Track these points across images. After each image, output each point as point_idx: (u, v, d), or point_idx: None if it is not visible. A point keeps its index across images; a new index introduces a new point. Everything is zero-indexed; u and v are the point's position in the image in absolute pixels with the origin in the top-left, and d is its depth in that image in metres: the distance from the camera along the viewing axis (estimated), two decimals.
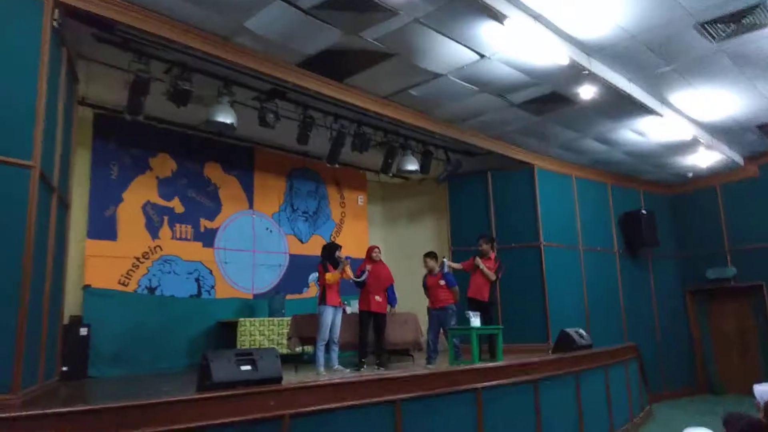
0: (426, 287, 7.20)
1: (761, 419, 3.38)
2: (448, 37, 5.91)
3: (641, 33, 5.95)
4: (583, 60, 6.36)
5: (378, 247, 7.01)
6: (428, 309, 7.19)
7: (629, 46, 6.22)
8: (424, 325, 8.05)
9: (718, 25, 5.84)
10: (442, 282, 7.02)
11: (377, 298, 6.54)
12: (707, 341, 11.67)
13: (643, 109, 7.75)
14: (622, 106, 7.70)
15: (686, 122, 8.55)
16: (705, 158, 9.98)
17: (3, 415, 3.11)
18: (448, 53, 6.25)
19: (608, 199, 11.10)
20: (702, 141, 9.08)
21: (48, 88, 4.43)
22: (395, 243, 11.12)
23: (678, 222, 12.02)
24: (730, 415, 3.34)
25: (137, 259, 7.79)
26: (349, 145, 8.23)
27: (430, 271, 7.16)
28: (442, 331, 6.99)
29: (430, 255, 7.30)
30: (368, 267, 6.65)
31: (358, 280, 6.55)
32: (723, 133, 9.28)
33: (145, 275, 7.83)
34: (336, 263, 6.62)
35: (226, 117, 6.79)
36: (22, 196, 4.08)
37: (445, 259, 7.18)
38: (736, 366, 11.19)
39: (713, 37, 6.08)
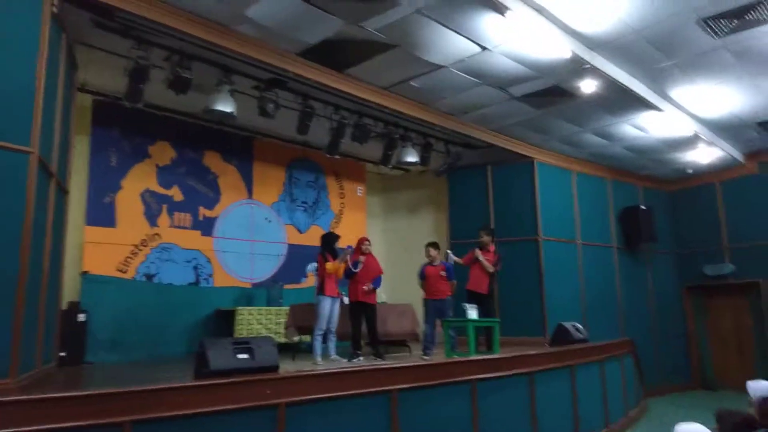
0: (424, 277, 7.11)
1: (753, 415, 3.41)
2: (450, 29, 5.89)
3: (644, 27, 5.93)
4: (585, 54, 6.35)
5: (368, 240, 6.97)
6: (425, 300, 7.16)
7: (631, 41, 6.21)
8: (421, 316, 8.09)
9: (721, 20, 5.82)
10: (443, 273, 6.99)
11: (365, 288, 6.56)
12: (703, 337, 11.72)
13: (644, 104, 7.75)
14: (623, 101, 7.68)
15: (687, 118, 8.53)
16: (705, 154, 9.99)
17: (0, 399, 3.13)
18: (450, 45, 6.23)
19: (607, 194, 11.11)
20: (702, 137, 9.07)
21: (47, 73, 4.41)
22: (394, 235, 11.15)
23: (677, 218, 12.03)
24: (723, 410, 3.36)
25: (136, 246, 7.80)
26: (349, 135, 8.21)
27: (432, 261, 7.10)
28: (439, 322, 6.99)
29: (433, 245, 7.21)
30: (362, 258, 6.65)
31: (354, 270, 6.56)
32: (724, 129, 9.27)
33: (144, 262, 7.84)
34: (336, 253, 6.65)
35: (225, 106, 6.78)
36: (20, 182, 4.08)
37: (449, 251, 7.15)
38: (731, 362, 11.25)
39: (716, 33, 6.06)
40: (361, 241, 6.86)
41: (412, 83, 7.25)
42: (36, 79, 4.29)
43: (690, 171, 11.23)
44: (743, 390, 3.93)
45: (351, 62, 6.71)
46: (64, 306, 6.41)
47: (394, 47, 6.31)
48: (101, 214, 7.55)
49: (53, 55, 4.71)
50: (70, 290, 6.79)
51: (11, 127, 4.09)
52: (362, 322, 6.65)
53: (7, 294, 3.91)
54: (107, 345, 7.14)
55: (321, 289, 6.53)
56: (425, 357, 6.54)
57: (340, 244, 6.88)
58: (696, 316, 11.83)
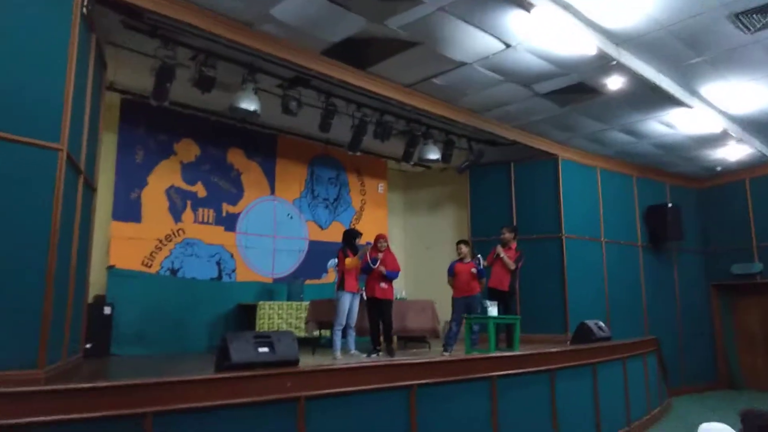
0: (453, 274, 7.14)
1: None
2: (474, 26, 5.85)
3: (672, 23, 5.81)
4: (611, 50, 6.25)
5: (384, 237, 6.90)
6: (455, 299, 7.14)
7: (659, 37, 6.08)
8: (441, 313, 8.08)
9: (754, 15, 5.66)
10: (474, 271, 7.02)
11: (383, 285, 6.56)
12: (730, 337, 11.49)
13: (672, 101, 7.60)
14: (651, 98, 7.55)
15: (716, 115, 8.35)
16: (735, 152, 9.78)
17: (28, 389, 3.22)
18: (474, 42, 6.19)
19: (633, 192, 10.94)
20: (732, 134, 8.87)
21: (76, 73, 4.50)
22: (415, 232, 11.14)
23: (704, 216, 11.79)
24: (748, 410, 3.29)
25: (160, 241, 7.94)
26: (371, 133, 8.22)
27: (462, 259, 7.13)
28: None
29: (465, 242, 7.30)
30: (379, 256, 6.64)
31: (373, 266, 6.56)
32: (754, 126, 9.03)
33: (168, 257, 7.98)
34: (356, 249, 6.67)
35: (249, 104, 6.84)
36: (49, 178, 4.18)
37: (480, 256, 7.15)
38: (758, 362, 11.02)
39: (747, 28, 5.90)
40: (377, 239, 6.82)
41: (435, 81, 7.22)
42: (66, 78, 4.38)
43: (719, 168, 10.99)
44: None
45: (374, 60, 6.71)
46: (90, 299, 6.54)
47: (417, 45, 6.29)
48: (127, 210, 7.70)
49: (82, 54, 4.81)
50: (96, 284, 6.93)
51: (42, 124, 4.19)
52: (378, 318, 6.65)
53: (36, 287, 4.01)
54: (132, 338, 7.28)
55: (341, 285, 6.56)
56: (445, 353, 6.55)
57: (362, 241, 6.90)
58: (723, 315, 11.59)
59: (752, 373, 11.02)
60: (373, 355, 6.34)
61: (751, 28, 5.89)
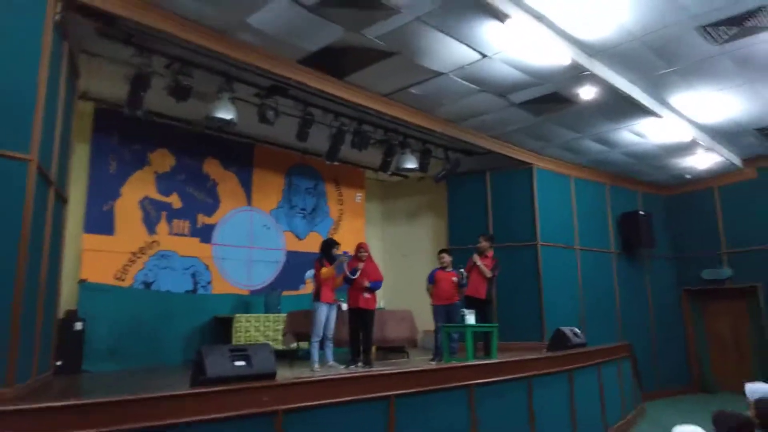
0: (434, 281, 7.16)
1: (751, 418, 3.39)
2: (450, 36, 5.89)
3: (643, 34, 5.94)
4: (584, 61, 6.35)
5: (364, 246, 6.85)
6: (435, 306, 7.15)
7: (631, 48, 6.21)
8: (419, 321, 8.06)
9: (721, 27, 5.83)
10: (455, 279, 7.07)
11: (366, 295, 6.52)
12: (702, 341, 11.70)
13: (643, 111, 7.75)
14: (623, 107, 7.69)
15: (686, 124, 8.54)
16: (703, 160, 10.01)
17: None
18: (450, 52, 6.23)
19: (606, 200, 11.11)
20: (701, 143, 9.08)
21: (48, 82, 4.40)
22: (393, 241, 11.14)
23: (675, 223, 12.02)
24: (720, 413, 3.35)
25: (134, 254, 7.78)
26: (349, 142, 8.20)
27: (445, 267, 7.17)
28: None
29: (447, 251, 7.39)
30: (360, 266, 6.59)
31: (352, 277, 6.52)
32: (722, 135, 9.27)
33: (142, 270, 7.82)
34: (332, 259, 6.61)
35: (226, 113, 6.77)
36: (19, 190, 4.06)
37: (462, 270, 7.18)
38: (729, 366, 11.22)
39: (715, 40, 6.07)
40: (357, 248, 6.80)
41: (412, 90, 7.25)
42: (37, 87, 4.27)
43: (688, 176, 11.24)
44: (742, 393, 3.93)
45: (351, 69, 6.71)
46: (61, 314, 6.36)
47: (395, 54, 6.31)
48: (100, 222, 7.53)
49: (55, 63, 4.70)
50: (67, 298, 6.75)
51: (11, 134, 4.07)
52: (360, 329, 6.60)
53: (4, 303, 3.87)
54: (104, 353, 7.09)
55: (317, 296, 6.50)
56: (432, 362, 6.56)
57: (340, 250, 6.84)
58: (694, 320, 11.80)
59: (724, 376, 11.21)
60: (353, 367, 6.27)
61: (719, 39, 6.06)
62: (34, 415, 3.15)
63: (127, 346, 7.30)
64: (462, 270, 7.17)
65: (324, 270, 6.48)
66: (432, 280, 7.20)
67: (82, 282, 7.17)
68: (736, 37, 6.00)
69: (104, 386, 5.61)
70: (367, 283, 6.52)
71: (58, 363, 6.08)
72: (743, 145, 9.79)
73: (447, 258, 7.24)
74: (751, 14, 5.58)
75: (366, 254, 6.72)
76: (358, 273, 6.55)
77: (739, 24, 5.76)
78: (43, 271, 4.70)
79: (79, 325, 6.83)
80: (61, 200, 5.63)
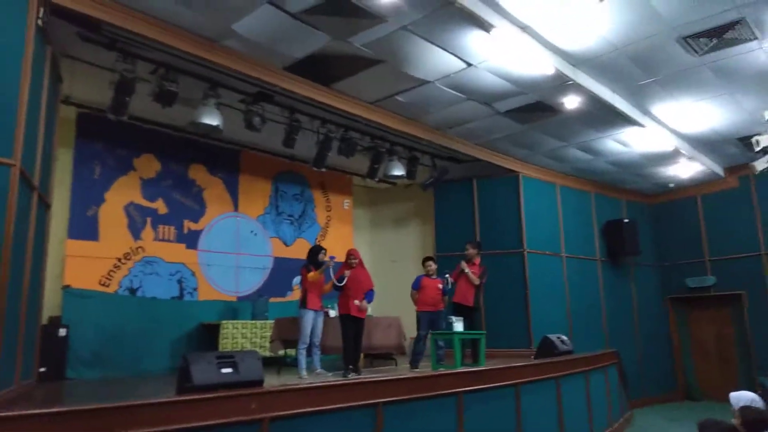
0: (419, 287, 7.11)
1: (736, 425, 3.45)
2: (436, 45, 5.96)
3: (625, 45, 6.05)
4: (568, 70, 6.45)
5: (355, 253, 6.74)
6: (420, 312, 7.12)
7: (613, 58, 6.32)
8: (406, 328, 8.07)
9: (701, 39, 5.96)
10: (440, 287, 7.08)
11: (356, 302, 6.40)
12: (687, 348, 11.82)
13: (626, 120, 7.87)
14: (606, 117, 7.80)
15: (668, 133, 8.68)
16: (686, 169, 10.16)
17: None
18: (435, 61, 6.30)
19: (591, 208, 11.22)
20: (683, 152, 9.23)
21: (31, 86, 4.38)
22: (381, 248, 11.14)
23: (659, 231, 12.17)
24: (706, 421, 3.40)
25: (119, 260, 7.71)
26: (336, 149, 8.23)
27: (430, 274, 7.16)
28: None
29: (432, 258, 7.37)
30: (347, 272, 6.49)
31: (339, 284, 6.46)
32: (704, 144, 9.43)
33: (127, 276, 7.75)
34: (318, 265, 6.57)
35: (211, 119, 6.77)
36: (1, 194, 4.03)
37: (448, 276, 7.19)
38: (714, 373, 11.34)
39: (696, 51, 6.20)
40: (348, 254, 6.70)
41: (398, 98, 7.30)
42: (19, 91, 4.26)
43: (671, 185, 11.41)
44: (727, 400, 3.98)
45: (338, 77, 6.75)
46: (44, 321, 6.30)
47: (381, 62, 6.36)
48: (84, 228, 7.46)
49: (37, 67, 4.68)
50: (51, 305, 6.67)
51: None
52: (352, 337, 6.50)
53: None
54: (89, 360, 7.01)
55: (303, 303, 6.47)
56: (415, 369, 6.53)
57: (326, 256, 6.79)
58: (679, 328, 11.93)
59: (708, 384, 11.33)
60: (350, 376, 6.11)
61: (699, 51, 6.19)
62: (16, 422, 3.11)
63: (112, 353, 7.22)
64: (447, 276, 7.19)
65: (311, 274, 6.44)
66: (417, 286, 7.17)
67: (66, 288, 7.09)
68: (716, 48, 6.13)
69: (88, 393, 5.55)
70: (363, 304, 6.39)
71: (42, 370, 6.01)
72: (725, 154, 9.96)
73: (433, 266, 7.22)
74: (730, 26, 5.71)
75: (356, 261, 6.60)
76: (345, 280, 6.46)
77: (719, 36, 5.89)
78: (26, 277, 4.66)
79: (63, 332, 6.75)
80: (45, 205, 5.59)
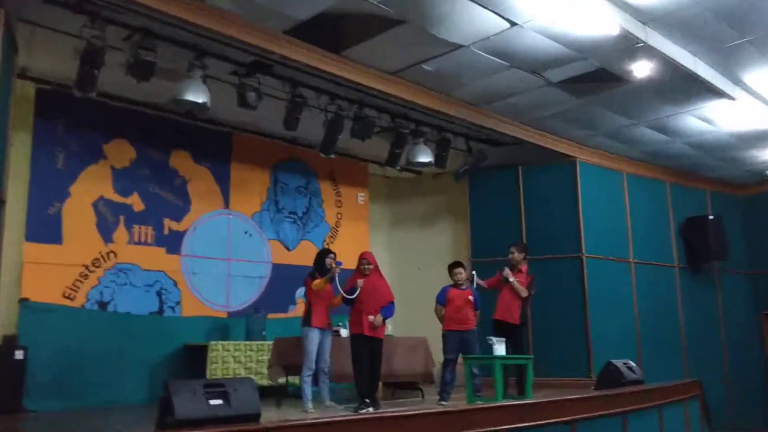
0: (445, 302, 7.00)
1: None
2: (471, 0, 5.92)
3: None
4: (637, 30, 6.38)
5: (368, 257, 6.61)
6: (446, 332, 7.05)
7: (695, 13, 6.21)
8: (435, 352, 8.05)
9: None
10: (471, 298, 6.94)
11: (371, 317, 6.31)
12: None
13: (711, 91, 7.77)
14: (685, 87, 7.72)
15: (765, 108, 8.54)
16: None
17: None
18: (471, 19, 6.26)
19: (667, 202, 11.14)
20: None
21: None
22: (403, 251, 11.15)
23: (753, 230, 12.02)
24: None
25: (86, 267, 7.83)
26: (348, 131, 8.25)
27: (458, 284, 7.05)
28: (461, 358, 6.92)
29: (461, 264, 7.20)
30: (359, 282, 6.39)
31: (349, 297, 6.38)
32: None
33: (96, 287, 7.86)
34: (324, 271, 6.54)
35: (197, 95, 6.82)
36: None
37: (475, 273, 7.10)
38: None
39: None
40: (360, 259, 6.59)
41: (424, 66, 7.30)
42: None
43: None
44: None
45: (350, 42, 6.76)
46: None
47: (403, 23, 6.35)
48: (44, 228, 7.58)
49: None
50: (5, 321, 6.82)
51: None
52: (367, 361, 6.44)
53: None
54: (51, 388, 7.13)
55: (307, 320, 6.50)
56: (442, 403, 6.51)
57: (336, 260, 6.77)
58: None
59: None
60: (363, 411, 6.01)
61: None
62: None
63: (78, 380, 7.34)
64: (473, 273, 7.07)
65: (315, 282, 6.43)
66: (443, 299, 7.04)
67: (23, 301, 7.22)
68: None
69: (50, 429, 5.64)
70: (378, 318, 6.29)
71: None
72: None
73: (463, 273, 7.07)
74: None
75: (371, 267, 6.51)
76: (357, 292, 6.35)
77: None
78: None
79: (19, 354, 6.87)
80: None
